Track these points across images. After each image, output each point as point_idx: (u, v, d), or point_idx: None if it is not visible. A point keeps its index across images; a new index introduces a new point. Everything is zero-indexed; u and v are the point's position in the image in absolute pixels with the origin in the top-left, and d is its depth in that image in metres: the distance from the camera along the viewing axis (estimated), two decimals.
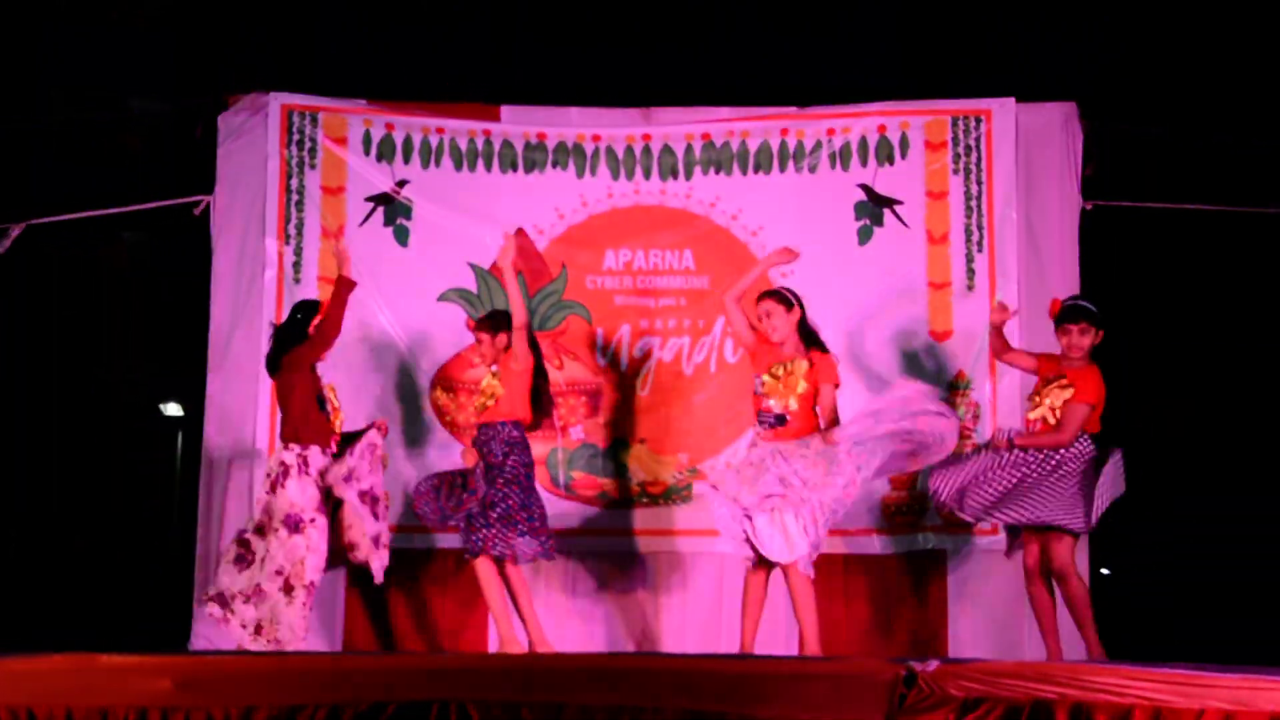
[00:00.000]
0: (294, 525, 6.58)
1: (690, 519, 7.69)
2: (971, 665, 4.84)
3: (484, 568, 6.78)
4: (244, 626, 6.53)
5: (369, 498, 6.72)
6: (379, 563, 6.72)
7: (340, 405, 7.02)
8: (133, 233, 8.37)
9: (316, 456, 6.68)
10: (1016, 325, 7.76)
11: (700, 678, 4.96)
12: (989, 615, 7.63)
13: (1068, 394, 6.67)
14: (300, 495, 6.60)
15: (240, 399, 7.69)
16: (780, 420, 6.69)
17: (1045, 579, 6.65)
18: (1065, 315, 6.81)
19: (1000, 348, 7.04)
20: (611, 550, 7.76)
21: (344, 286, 6.79)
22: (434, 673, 5.04)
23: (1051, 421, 6.65)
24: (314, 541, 6.58)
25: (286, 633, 6.52)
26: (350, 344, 7.77)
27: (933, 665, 4.76)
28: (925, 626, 7.64)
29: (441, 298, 7.91)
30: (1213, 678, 4.63)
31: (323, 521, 6.62)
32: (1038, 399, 6.76)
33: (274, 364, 6.81)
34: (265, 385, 7.59)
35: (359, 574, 7.60)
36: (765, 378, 6.75)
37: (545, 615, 7.11)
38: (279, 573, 6.55)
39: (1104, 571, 7.71)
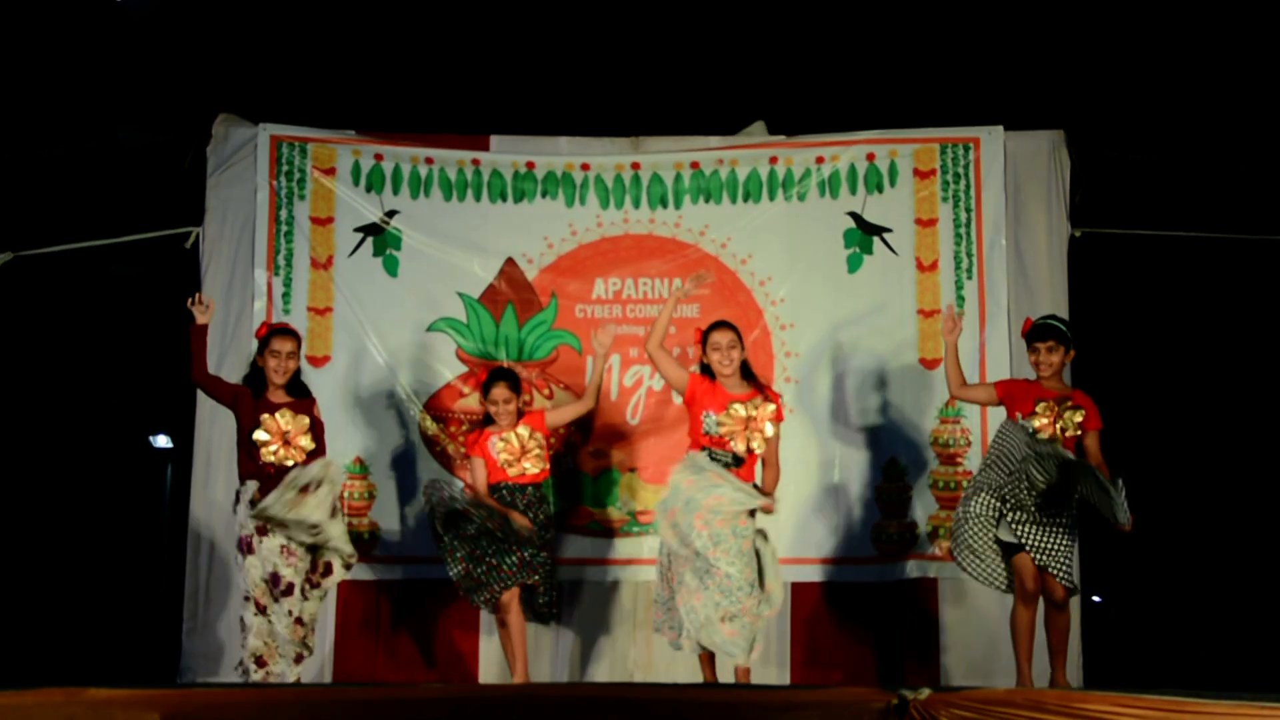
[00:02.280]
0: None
1: None
2: (963, 693, 4.83)
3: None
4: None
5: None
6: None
7: (286, 440, 6.88)
8: (122, 265, 8.35)
9: (246, 491, 6.80)
10: (1008, 353, 7.79)
11: (692, 708, 4.94)
12: (980, 643, 7.62)
13: (1079, 417, 6.69)
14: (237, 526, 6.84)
15: (229, 431, 7.66)
16: (737, 462, 6.72)
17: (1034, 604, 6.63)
18: (1034, 333, 6.83)
19: (957, 380, 6.91)
20: (602, 579, 7.74)
21: (192, 333, 6.93)
22: (424, 704, 5.02)
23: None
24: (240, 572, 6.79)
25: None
26: (340, 374, 7.78)
27: (924, 693, 4.74)
28: (916, 654, 7.62)
29: (431, 328, 7.90)
30: (1205, 705, 4.62)
31: (247, 558, 6.71)
32: (1048, 418, 6.69)
33: None
34: None
35: (347, 606, 7.60)
36: (723, 417, 6.73)
37: (535, 645, 7.09)
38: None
39: (1095, 599, 7.69)
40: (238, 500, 6.84)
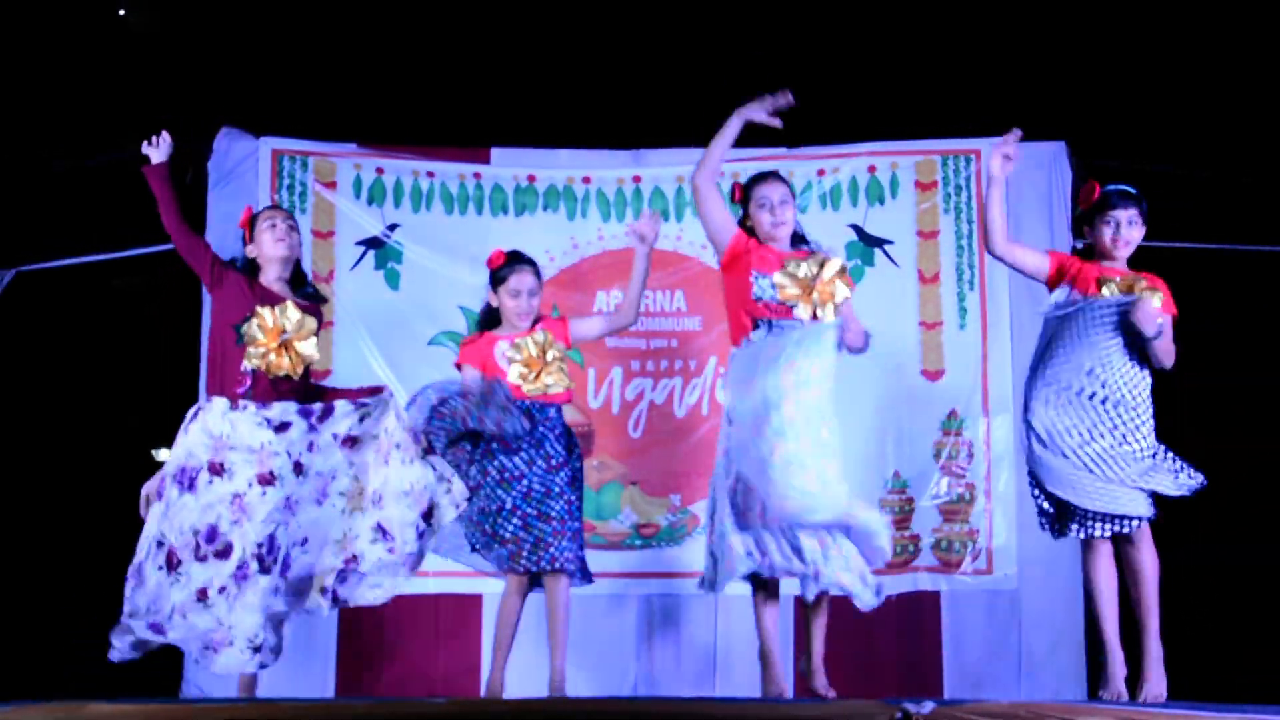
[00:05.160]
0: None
1: (684, 561, 7.66)
2: (966, 706, 4.81)
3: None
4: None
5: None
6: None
7: (285, 344, 5.66)
8: (123, 279, 8.34)
9: (210, 410, 5.62)
10: (1009, 364, 7.76)
11: None
12: (983, 655, 7.61)
13: (1158, 300, 5.67)
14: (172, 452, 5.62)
15: None
16: None
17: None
18: (1111, 200, 5.76)
19: (1001, 232, 5.82)
20: (604, 593, 7.71)
21: (148, 176, 5.87)
22: (430, 719, 5.00)
23: None
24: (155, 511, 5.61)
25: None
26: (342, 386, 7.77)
27: (928, 707, 4.72)
28: (920, 668, 7.61)
29: (432, 341, 7.90)
30: (1212, 717, 4.60)
31: (182, 495, 5.53)
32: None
33: None
34: None
35: (349, 620, 7.57)
36: (780, 276, 5.65)
37: (537, 659, 7.04)
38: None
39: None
40: (193, 419, 5.64)
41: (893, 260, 7.94)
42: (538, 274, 6.29)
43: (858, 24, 7.96)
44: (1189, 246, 7.73)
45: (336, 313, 7.86)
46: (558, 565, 5.94)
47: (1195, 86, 7.85)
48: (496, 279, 6.25)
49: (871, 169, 8.00)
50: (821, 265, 5.74)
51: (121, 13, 7.94)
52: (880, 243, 7.94)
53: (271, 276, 5.88)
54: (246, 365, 5.63)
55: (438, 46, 8.07)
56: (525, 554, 5.92)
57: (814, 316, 5.72)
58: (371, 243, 7.96)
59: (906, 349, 7.84)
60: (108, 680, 6.73)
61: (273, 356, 5.63)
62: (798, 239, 6.03)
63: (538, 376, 5.93)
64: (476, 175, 8.02)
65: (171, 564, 5.50)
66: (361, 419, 5.72)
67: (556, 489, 5.97)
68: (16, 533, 8.04)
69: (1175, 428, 6.18)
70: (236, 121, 7.97)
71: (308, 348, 5.70)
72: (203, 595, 5.50)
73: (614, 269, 7.96)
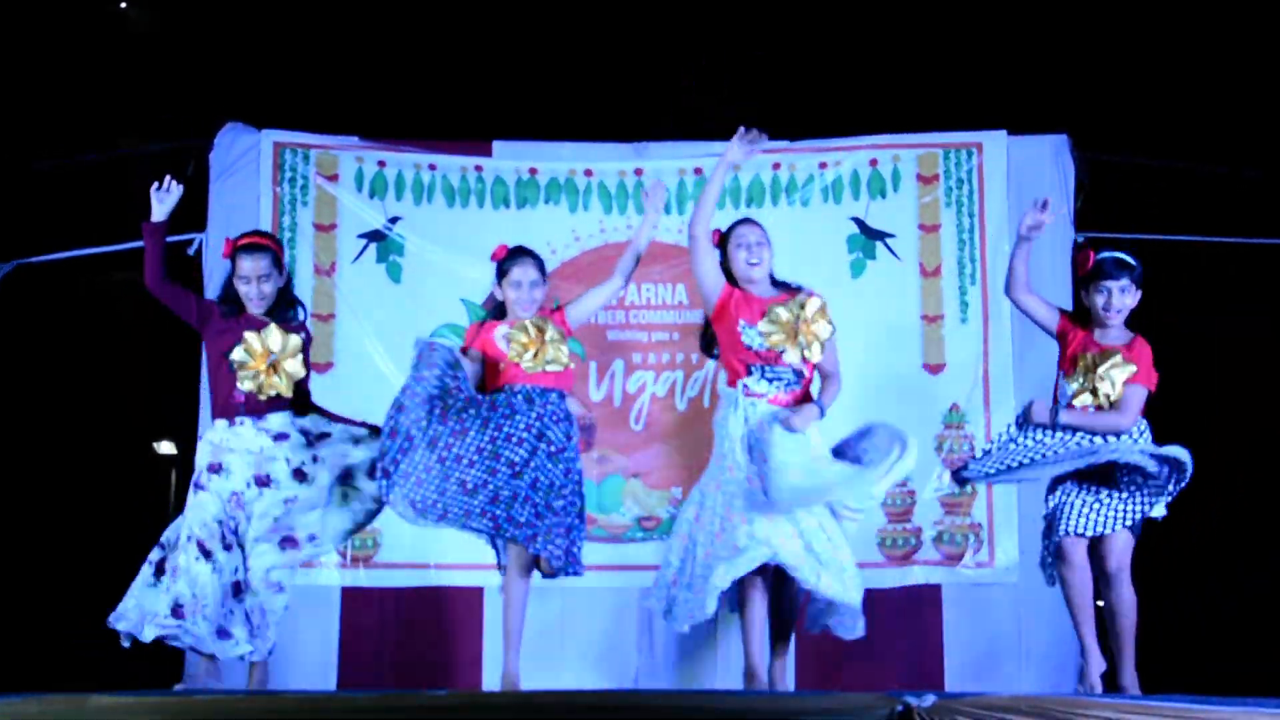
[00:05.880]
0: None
1: None
2: (967, 699, 4.80)
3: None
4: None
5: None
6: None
7: (273, 365, 5.93)
8: (125, 272, 8.35)
9: (216, 432, 6.01)
10: (1011, 359, 7.76)
11: (697, 715, 4.92)
12: (985, 648, 7.61)
13: (1129, 372, 5.84)
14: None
15: None
16: (798, 379, 5.98)
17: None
18: (1103, 270, 5.93)
19: (1021, 281, 6.08)
20: (605, 586, 7.72)
21: (145, 231, 6.05)
22: (429, 712, 5.00)
23: (1106, 405, 5.84)
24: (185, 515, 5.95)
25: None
26: (343, 380, 7.77)
27: (929, 699, 4.71)
28: (920, 660, 7.61)
29: (434, 334, 7.89)
30: (1214, 711, 4.60)
31: (198, 494, 5.92)
32: (1089, 378, 5.85)
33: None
34: None
35: (351, 614, 7.57)
36: (765, 324, 5.90)
37: (537, 651, 7.07)
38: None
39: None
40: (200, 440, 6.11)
41: (894, 254, 7.93)
42: (540, 267, 6.38)
43: (859, 17, 7.96)
44: (1188, 240, 7.74)
45: (338, 306, 7.87)
46: (543, 554, 6.00)
47: (1198, 77, 7.85)
48: (500, 272, 6.37)
49: (873, 162, 7.99)
50: (802, 306, 5.96)
51: (123, 5, 7.94)
52: (882, 236, 7.94)
53: (255, 309, 6.13)
54: (240, 388, 5.96)
55: (439, 39, 8.08)
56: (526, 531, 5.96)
57: (802, 358, 5.98)
58: (373, 236, 7.96)
59: (908, 342, 7.84)
60: (107, 677, 6.74)
61: (264, 377, 5.92)
62: (777, 283, 6.23)
63: (536, 355, 6.00)
64: (478, 168, 8.02)
65: (206, 554, 5.87)
66: (356, 441, 6.16)
67: (559, 480, 6.04)
68: (15, 527, 8.04)
69: (1175, 426, 6.19)
70: (239, 114, 7.96)
71: (295, 366, 5.97)
72: (237, 589, 5.97)
73: (615, 262, 7.93)
